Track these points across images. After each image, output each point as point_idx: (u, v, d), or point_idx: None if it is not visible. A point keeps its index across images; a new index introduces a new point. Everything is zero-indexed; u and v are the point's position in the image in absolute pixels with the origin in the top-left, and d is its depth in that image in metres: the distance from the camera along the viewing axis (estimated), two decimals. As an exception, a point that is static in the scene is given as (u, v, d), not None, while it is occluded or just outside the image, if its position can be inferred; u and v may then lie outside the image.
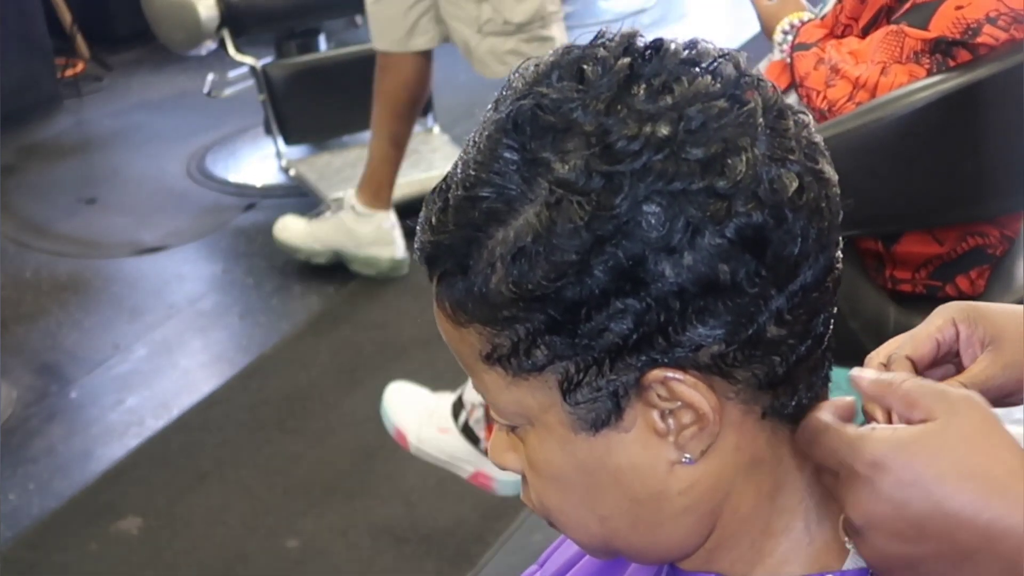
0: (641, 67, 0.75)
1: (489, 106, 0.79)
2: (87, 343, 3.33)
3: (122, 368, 3.22)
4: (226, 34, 3.83)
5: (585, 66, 0.75)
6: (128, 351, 3.29)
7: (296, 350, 3.26)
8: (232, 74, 4.38)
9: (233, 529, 2.66)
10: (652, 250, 0.72)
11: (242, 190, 4.13)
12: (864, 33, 2.07)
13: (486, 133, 0.76)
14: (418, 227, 0.79)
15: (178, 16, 3.79)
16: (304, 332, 3.34)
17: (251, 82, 4.12)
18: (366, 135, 4.07)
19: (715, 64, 0.76)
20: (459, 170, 0.77)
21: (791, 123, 0.76)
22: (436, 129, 4.05)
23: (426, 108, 4.03)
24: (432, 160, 3.90)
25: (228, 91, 4.41)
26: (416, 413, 2.57)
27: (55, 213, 4.13)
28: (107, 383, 3.17)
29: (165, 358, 3.26)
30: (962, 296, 2.10)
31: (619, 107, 0.73)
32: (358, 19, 5.10)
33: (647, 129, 0.72)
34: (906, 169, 2.03)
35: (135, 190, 4.26)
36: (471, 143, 0.78)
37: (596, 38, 0.78)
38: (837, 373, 0.83)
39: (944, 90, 1.92)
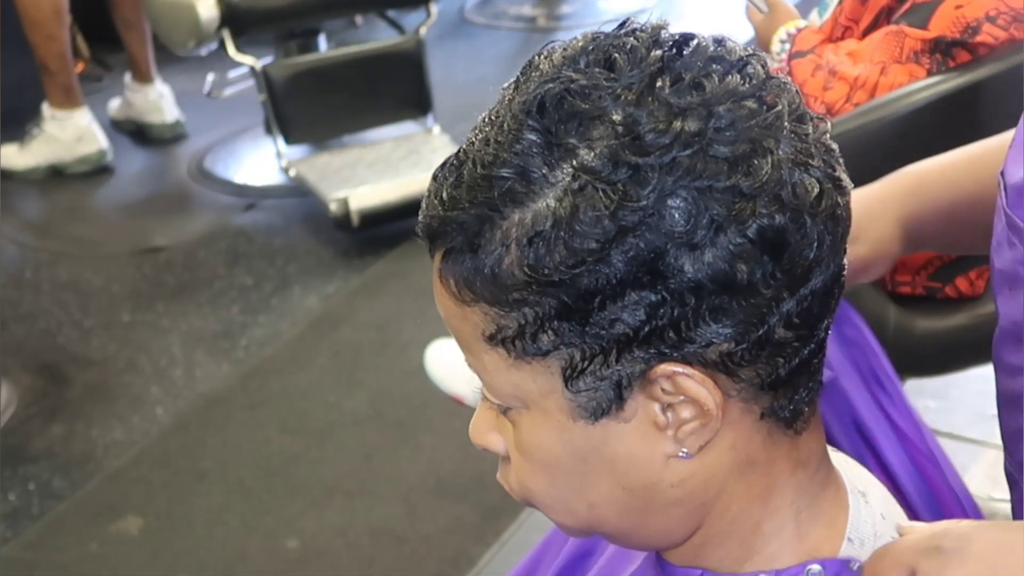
0: (671, 61, 0.75)
1: (508, 83, 0.78)
2: (87, 343, 3.32)
3: (122, 368, 3.22)
4: (226, 34, 3.82)
5: (615, 55, 0.75)
6: (128, 351, 3.29)
7: (296, 350, 3.26)
8: (232, 74, 4.38)
9: (233, 529, 2.65)
10: (674, 244, 0.72)
11: (242, 190, 4.12)
12: (864, 35, 2.07)
13: (509, 112, 0.75)
14: (424, 201, 0.78)
15: (178, 16, 3.78)
16: (304, 332, 3.33)
17: (251, 82, 4.11)
18: (366, 135, 4.08)
19: (744, 63, 0.76)
20: (476, 147, 0.76)
21: (810, 128, 0.77)
22: (436, 129, 4.04)
23: (426, 108, 4.03)
24: (432, 160, 3.89)
25: (228, 91, 4.41)
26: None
27: (55, 213, 4.14)
28: (107, 383, 3.17)
29: (165, 358, 3.25)
30: (962, 297, 2.10)
31: (649, 99, 0.73)
32: (358, 19, 5.10)
33: (676, 124, 0.72)
34: (906, 169, 2.03)
35: (135, 190, 4.26)
36: (488, 121, 0.77)
37: (622, 26, 0.78)
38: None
39: (944, 90, 1.92)
